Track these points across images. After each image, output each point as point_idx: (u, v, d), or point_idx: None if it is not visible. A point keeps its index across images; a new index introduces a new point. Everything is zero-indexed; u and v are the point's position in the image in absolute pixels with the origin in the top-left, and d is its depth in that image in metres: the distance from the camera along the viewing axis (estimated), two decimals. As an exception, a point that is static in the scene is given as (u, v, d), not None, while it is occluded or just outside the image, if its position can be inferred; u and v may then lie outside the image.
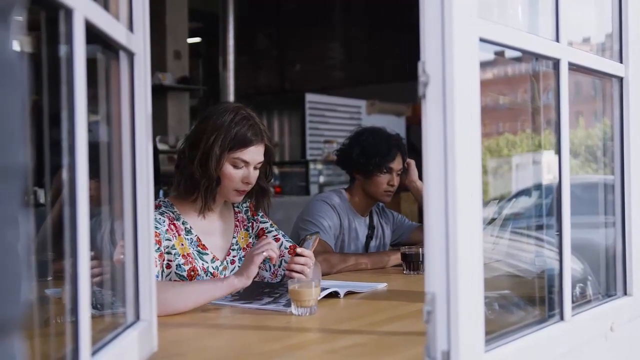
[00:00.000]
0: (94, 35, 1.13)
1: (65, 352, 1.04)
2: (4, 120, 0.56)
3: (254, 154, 2.22)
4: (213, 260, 2.25)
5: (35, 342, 1.18)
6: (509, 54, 1.58)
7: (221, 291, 1.98)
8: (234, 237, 2.36)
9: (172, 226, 2.18)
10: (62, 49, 1.03)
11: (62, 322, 1.43)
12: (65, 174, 1.03)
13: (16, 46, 0.59)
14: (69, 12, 1.01)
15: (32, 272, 0.63)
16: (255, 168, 2.24)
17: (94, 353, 1.10)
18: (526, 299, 1.73)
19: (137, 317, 1.39)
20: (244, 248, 2.37)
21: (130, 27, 1.37)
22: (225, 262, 2.30)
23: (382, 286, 2.37)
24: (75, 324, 1.02)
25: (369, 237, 3.16)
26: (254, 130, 2.21)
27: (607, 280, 1.89)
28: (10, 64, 0.57)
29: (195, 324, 1.83)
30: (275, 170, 7.77)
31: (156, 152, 4.91)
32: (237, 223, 2.39)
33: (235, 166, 2.20)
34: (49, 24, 1.06)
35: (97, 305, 1.40)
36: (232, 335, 1.74)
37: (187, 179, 2.22)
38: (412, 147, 5.99)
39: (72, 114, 1.02)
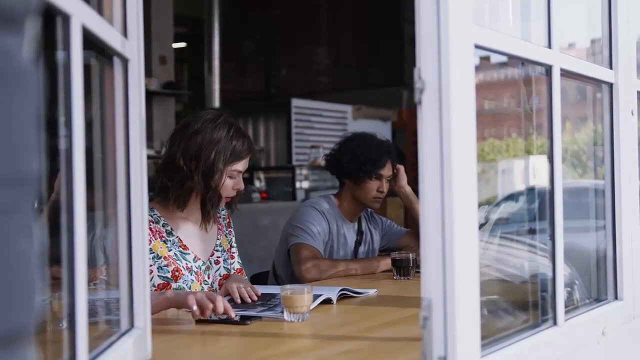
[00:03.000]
0: (88, 41, 1.12)
1: (61, 360, 1.04)
2: (18, 129, 0.56)
3: (246, 163, 2.35)
4: (195, 259, 2.32)
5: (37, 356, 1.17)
6: (494, 59, 1.59)
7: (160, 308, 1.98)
8: (217, 239, 2.44)
9: (148, 230, 2.21)
10: (59, 55, 1.03)
11: (54, 329, 1.42)
12: (62, 181, 1.02)
13: (29, 54, 0.59)
14: (66, 18, 1.01)
15: (45, 281, 0.63)
16: (243, 175, 2.37)
17: (90, 361, 1.09)
18: (518, 304, 1.74)
19: (132, 325, 1.38)
20: (227, 250, 2.47)
21: (125, 33, 1.36)
22: (208, 262, 2.37)
23: (372, 292, 2.37)
24: (72, 331, 1.01)
25: (358, 243, 3.16)
26: (248, 141, 2.34)
27: (598, 284, 1.90)
28: (24, 73, 0.57)
29: (188, 332, 1.83)
30: (261, 175, 7.76)
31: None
32: (220, 226, 2.48)
33: (231, 177, 2.31)
34: (45, 30, 1.05)
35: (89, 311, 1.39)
36: (225, 342, 1.74)
37: (186, 193, 2.27)
38: (398, 153, 6.00)
39: (70, 119, 1.02)
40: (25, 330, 0.57)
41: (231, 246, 2.53)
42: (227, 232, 2.52)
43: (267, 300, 2.14)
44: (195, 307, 1.83)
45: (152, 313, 1.99)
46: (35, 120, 0.59)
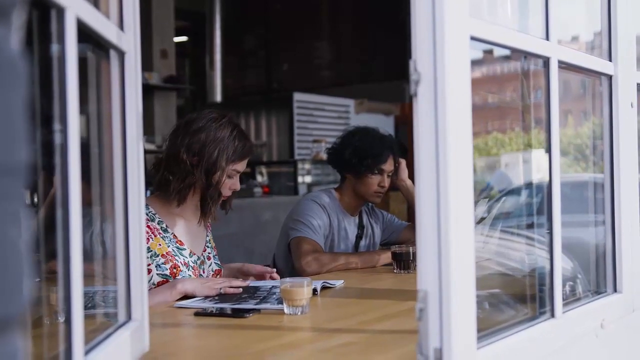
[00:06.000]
0: (84, 34, 1.12)
1: (57, 352, 1.04)
2: (7, 118, 0.56)
3: (245, 164, 2.40)
4: (191, 254, 2.36)
5: (26, 343, 1.17)
6: (498, 52, 1.59)
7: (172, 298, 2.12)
8: (207, 236, 2.50)
9: (146, 228, 2.22)
10: (54, 48, 1.03)
11: (54, 322, 1.42)
12: (57, 175, 1.02)
13: (17, 45, 0.59)
14: (60, 11, 1.01)
15: (33, 270, 0.63)
16: (240, 174, 2.41)
17: (86, 353, 1.10)
18: (517, 297, 1.74)
19: (129, 317, 1.38)
20: (214, 247, 2.53)
21: (121, 26, 1.36)
22: (202, 257, 2.42)
23: (339, 283, 2.40)
24: (68, 324, 1.02)
25: (359, 237, 3.16)
26: (250, 143, 2.39)
27: (597, 277, 1.90)
28: (12, 63, 0.57)
29: (186, 324, 1.83)
30: (263, 170, 7.77)
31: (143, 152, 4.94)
32: (208, 225, 2.53)
33: (229, 176, 2.35)
34: (40, 23, 1.05)
35: (87, 305, 1.39)
36: (224, 335, 1.74)
37: (187, 188, 2.30)
38: (401, 147, 5.98)
39: (64, 113, 1.02)
40: (13, 318, 0.57)
41: (214, 245, 2.57)
42: (210, 230, 2.57)
43: (253, 293, 2.15)
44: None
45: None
46: (23, 111, 0.59)
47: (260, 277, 2.45)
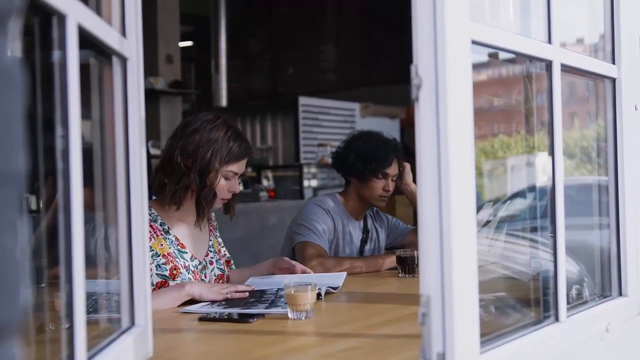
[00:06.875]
0: (86, 40, 1.13)
1: (60, 358, 1.04)
2: (3, 126, 0.56)
3: (243, 165, 2.39)
4: (192, 258, 2.36)
5: (30, 349, 1.18)
6: (503, 55, 1.58)
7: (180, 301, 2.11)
8: (210, 240, 2.49)
9: (148, 228, 2.24)
10: (55, 55, 1.03)
11: (57, 329, 1.43)
12: (59, 180, 1.03)
13: (14, 52, 0.59)
14: (62, 18, 1.01)
15: (30, 277, 0.63)
16: (239, 178, 2.40)
17: (89, 358, 1.10)
18: (522, 301, 1.73)
19: (132, 323, 1.39)
20: (217, 252, 2.51)
21: (123, 32, 1.37)
22: (204, 262, 2.42)
23: (342, 276, 2.43)
24: (70, 330, 1.02)
25: (364, 241, 3.16)
26: (246, 144, 2.38)
27: (602, 281, 1.89)
28: (9, 70, 0.57)
29: (190, 329, 1.83)
30: (269, 174, 7.77)
31: (148, 157, 4.96)
32: (211, 228, 2.53)
33: (226, 178, 2.34)
34: (42, 29, 1.05)
35: (90, 310, 1.39)
36: (228, 340, 1.74)
37: (182, 190, 2.30)
38: (406, 150, 5.97)
39: (66, 119, 1.02)
40: (9, 326, 0.57)
41: (221, 246, 2.57)
42: (216, 234, 2.57)
43: (260, 297, 2.14)
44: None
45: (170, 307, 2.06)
46: (20, 118, 0.59)
47: (290, 271, 2.48)
